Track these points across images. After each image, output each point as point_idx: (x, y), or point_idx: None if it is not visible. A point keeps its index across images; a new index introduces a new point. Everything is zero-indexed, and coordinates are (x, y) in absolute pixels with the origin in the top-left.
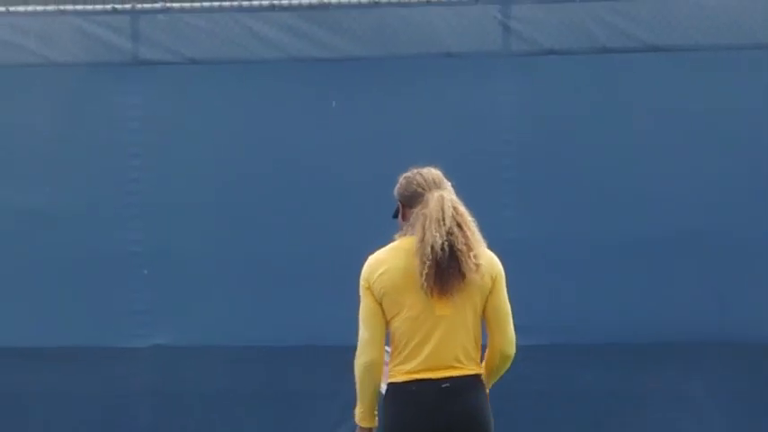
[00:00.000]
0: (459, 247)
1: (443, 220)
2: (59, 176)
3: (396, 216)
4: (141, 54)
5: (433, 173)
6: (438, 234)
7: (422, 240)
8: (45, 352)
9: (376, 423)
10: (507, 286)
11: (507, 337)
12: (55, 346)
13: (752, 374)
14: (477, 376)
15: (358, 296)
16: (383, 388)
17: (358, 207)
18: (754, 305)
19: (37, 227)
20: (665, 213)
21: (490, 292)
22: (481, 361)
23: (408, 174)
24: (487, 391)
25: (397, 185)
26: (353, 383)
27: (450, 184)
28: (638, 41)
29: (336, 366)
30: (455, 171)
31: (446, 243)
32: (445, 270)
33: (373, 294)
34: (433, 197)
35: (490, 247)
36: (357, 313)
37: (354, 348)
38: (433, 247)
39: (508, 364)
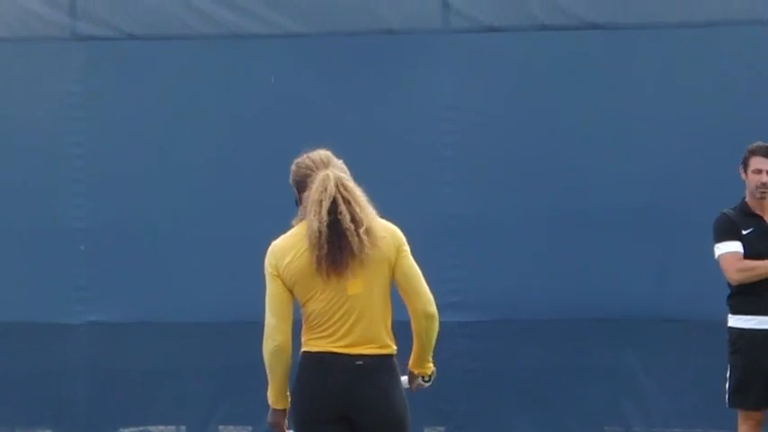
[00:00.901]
0: (346, 225)
1: (329, 199)
2: (0, 152)
3: (297, 204)
4: (79, 29)
5: (321, 153)
6: (321, 215)
7: (309, 225)
8: None
9: (288, 404)
10: (424, 257)
11: (425, 297)
12: None
13: (689, 350)
14: (391, 357)
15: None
16: None
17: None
18: (693, 281)
19: None
20: (604, 189)
21: (395, 263)
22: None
23: (298, 158)
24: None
25: (290, 172)
26: (293, 359)
27: (340, 162)
28: (576, 19)
29: None
30: (396, 148)
31: (332, 223)
32: (334, 250)
33: (283, 282)
34: (317, 178)
35: (427, 221)
36: None
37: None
38: (320, 230)
39: (435, 325)
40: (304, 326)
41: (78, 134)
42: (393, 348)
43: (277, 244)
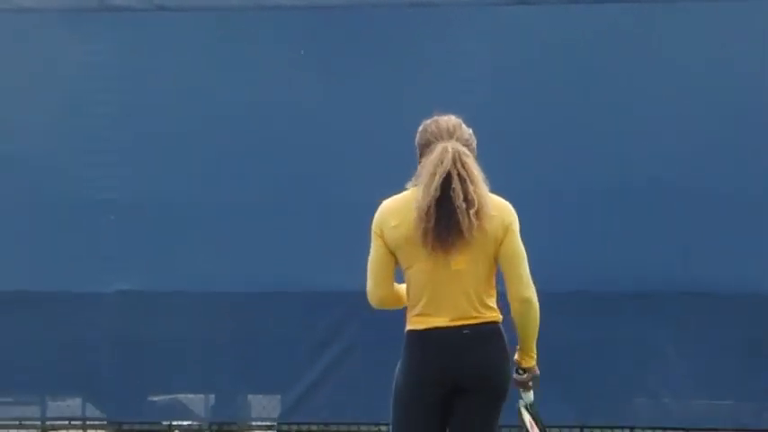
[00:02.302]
0: (458, 203)
1: (444, 174)
2: (29, 123)
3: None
4: (108, 1)
5: (450, 121)
6: (434, 190)
7: (421, 195)
8: (8, 296)
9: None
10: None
11: (522, 282)
12: (20, 290)
13: (714, 323)
14: (495, 323)
15: (368, 241)
16: None
17: (332, 154)
18: (717, 255)
19: (5, 172)
20: (633, 165)
21: (501, 243)
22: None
23: (427, 120)
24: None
25: (416, 133)
26: (320, 329)
27: (470, 131)
28: None
29: (306, 311)
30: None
31: (446, 199)
32: (442, 226)
33: (386, 244)
34: (437, 149)
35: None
36: (324, 259)
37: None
38: (430, 204)
39: (531, 311)
40: (409, 302)
41: (107, 105)
42: (499, 317)
43: (386, 205)
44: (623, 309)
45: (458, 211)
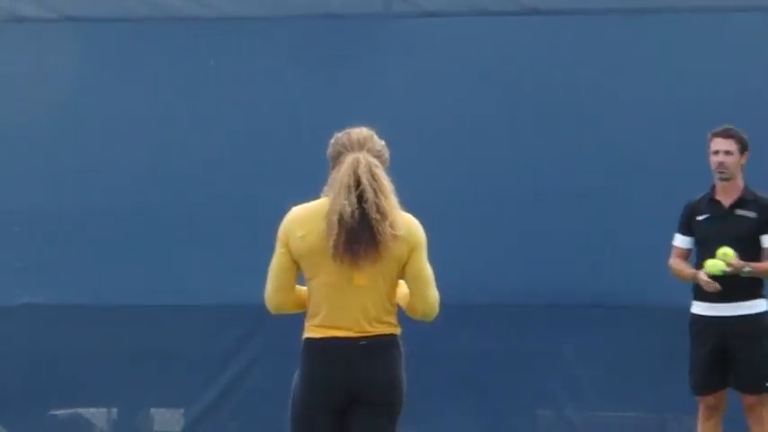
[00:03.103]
0: (373, 215)
1: (355, 185)
2: None
3: None
4: (18, 11)
5: (361, 133)
6: (347, 201)
7: (331, 206)
8: None
9: None
10: None
11: (427, 303)
12: None
13: (619, 336)
14: (393, 336)
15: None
16: None
17: (238, 166)
18: (624, 269)
19: None
20: (543, 174)
21: (408, 260)
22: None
23: (339, 133)
24: None
25: (329, 145)
26: (225, 343)
27: (382, 143)
28: (518, 4)
29: (210, 324)
30: (333, 130)
31: (357, 211)
32: (356, 239)
33: (290, 252)
34: (347, 160)
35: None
36: (229, 273)
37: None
38: (341, 215)
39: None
40: (308, 312)
41: (23, 115)
42: (397, 330)
43: (295, 213)
44: (531, 321)
45: (373, 222)
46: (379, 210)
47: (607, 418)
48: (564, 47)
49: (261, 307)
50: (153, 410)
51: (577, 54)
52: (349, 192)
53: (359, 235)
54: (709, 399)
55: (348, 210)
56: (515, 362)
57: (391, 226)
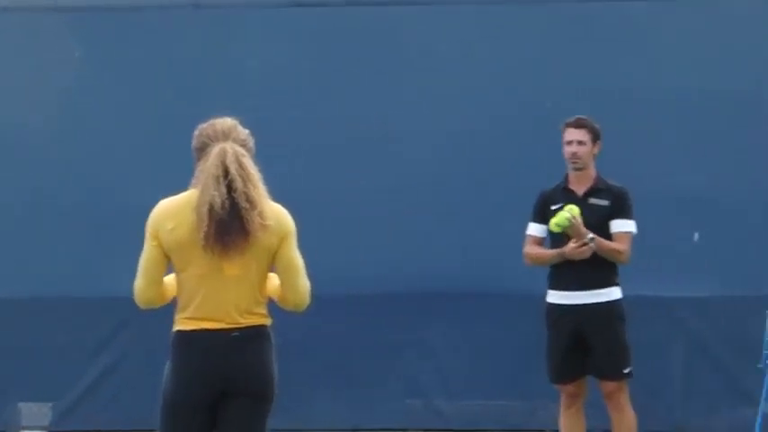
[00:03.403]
0: (243, 204)
1: (223, 175)
2: None
3: None
4: None
5: (225, 123)
6: (217, 192)
7: (200, 198)
8: None
9: None
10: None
11: (298, 293)
12: None
13: (487, 324)
14: (264, 327)
15: (141, 248)
16: None
17: (106, 159)
18: (495, 256)
19: None
20: (410, 165)
21: (278, 249)
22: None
23: (203, 125)
24: None
25: (193, 138)
26: (94, 336)
27: (246, 132)
28: None
29: (79, 317)
30: (199, 120)
31: (227, 201)
32: (227, 229)
33: (161, 246)
34: (214, 151)
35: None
36: (98, 265)
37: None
38: (212, 206)
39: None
40: (178, 304)
41: None
42: (268, 321)
43: (163, 205)
44: (400, 311)
45: (243, 211)
46: (248, 199)
47: (475, 407)
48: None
49: (130, 299)
50: (21, 404)
51: (436, 42)
52: (218, 182)
53: (229, 225)
54: (570, 387)
55: (218, 200)
56: (385, 351)
57: (260, 215)
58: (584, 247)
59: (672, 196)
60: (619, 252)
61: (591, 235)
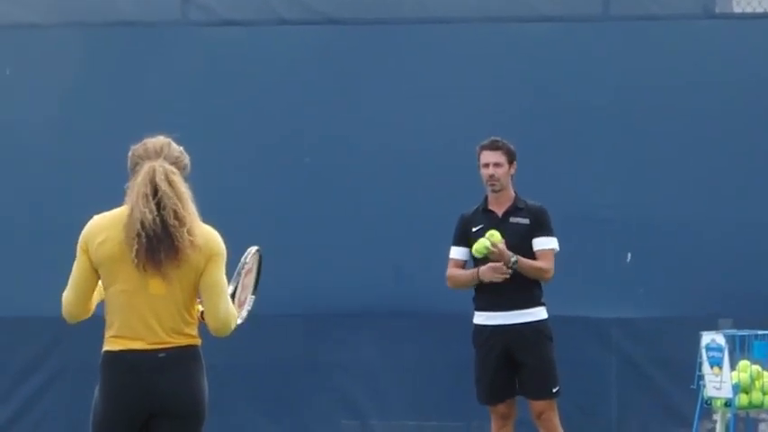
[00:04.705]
0: (172, 222)
1: (153, 193)
2: None
3: None
4: None
5: (157, 142)
6: (147, 209)
7: (130, 215)
8: None
9: None
10: None
11: (219, 317)
12: None
13: (421, 343)
14: (194, 347)
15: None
16: None
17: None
18: (428, 276)
19: None
20: (342, 186)
21: (204, 270)
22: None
23: (136, 144)
24: None
25: (128, 158)
26: (26, 355)
27: (179, 149)
28: (316, 14)
29: (10, 337)
30: (130, 139)
31: (157, 218)
32: (157, 246)
33: (90, 260)
34: (144, 169)
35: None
36: (27, 285)
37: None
38: (143, 223)
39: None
40: (106, 317)
41: None
42: (197, 341)
43: (95, 221)
44: (334, 329)
45: (172, 228)
46: (177, 216)
47: (410, 427)
48: (355, 55)
49: (60, 320)
50: None
51: (379, 62)
52: (147, 200)
53: (159, 243)
54: (501, 407)
55: (149, 217)
56: (319, 371)
57: (189, 232)
58: (497, 272)
59: (604, 217)
60: (542, 270)
61: (514, 258)
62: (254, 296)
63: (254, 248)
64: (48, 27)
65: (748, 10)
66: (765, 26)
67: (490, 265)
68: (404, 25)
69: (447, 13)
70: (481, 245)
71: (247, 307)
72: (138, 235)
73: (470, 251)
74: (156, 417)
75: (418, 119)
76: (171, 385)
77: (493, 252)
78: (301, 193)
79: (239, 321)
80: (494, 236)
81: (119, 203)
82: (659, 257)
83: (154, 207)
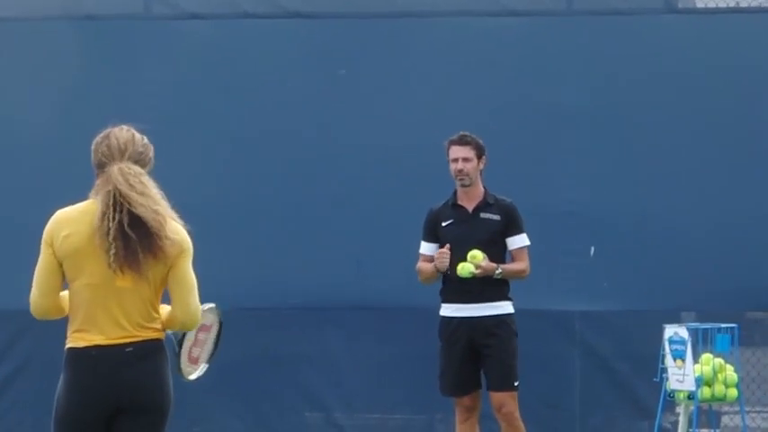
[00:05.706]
0: (152, 224)
1: (124, 200)
2: None
3: None
4: None
5: (121, 138)
6: (118, 218)
7: (102, 218)
8: None
9: None
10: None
11: (189, 312)
12: None
13: (385, 337)
14: (158, 341)
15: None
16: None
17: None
18: (393, 270)
19: None
20: (304, 180)
21: (173, 265)
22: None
23: (101, 136)
24: None
25: (91, 151)
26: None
27: (143, 141)
28: (279, 8)
29: None
30: (93, 133)
31: (132, 224)
32: (134, 249)
33: (55, 254)
34: (113, 172)
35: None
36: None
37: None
38: (118, 230)
39: (186, 329)
40: (70, 317)
41: None
42: (161, 335)
43: (60, 214)
44: (299, 324)
45: (152, 230)
46: (156, 218)
47: (374, 420)
48: (323, 49)
49: (25, 313)
50: None
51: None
52: (117, 208)
53: (136, 245)
54: (465, 400)
55: (124, 222)
56: (283, 364)
57: (169, 231)
58: (441, 258)
59: (568, 211)
60: (523, 271)
61: (499, 270)
62: (207, 364)
63: (211, 304)
64: (8, 20)
65: (711, 5)
66: (728, 21)
67: (439, 251)
68: (369, 19)
69: (414, 8)
70: (465, 270)
71: (198, 373)
72: (115, 239)
73: (439, 247)
74: (121, 411)
75: (383, 113)
76: (139, 379)
77: (477, 274)
78: (264, 187)
79: (192, 378)
80: (476, 257)
81: (83, 197)
82: (623, 251)
83: (126, 214)
